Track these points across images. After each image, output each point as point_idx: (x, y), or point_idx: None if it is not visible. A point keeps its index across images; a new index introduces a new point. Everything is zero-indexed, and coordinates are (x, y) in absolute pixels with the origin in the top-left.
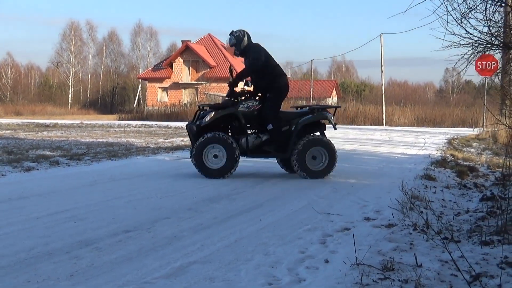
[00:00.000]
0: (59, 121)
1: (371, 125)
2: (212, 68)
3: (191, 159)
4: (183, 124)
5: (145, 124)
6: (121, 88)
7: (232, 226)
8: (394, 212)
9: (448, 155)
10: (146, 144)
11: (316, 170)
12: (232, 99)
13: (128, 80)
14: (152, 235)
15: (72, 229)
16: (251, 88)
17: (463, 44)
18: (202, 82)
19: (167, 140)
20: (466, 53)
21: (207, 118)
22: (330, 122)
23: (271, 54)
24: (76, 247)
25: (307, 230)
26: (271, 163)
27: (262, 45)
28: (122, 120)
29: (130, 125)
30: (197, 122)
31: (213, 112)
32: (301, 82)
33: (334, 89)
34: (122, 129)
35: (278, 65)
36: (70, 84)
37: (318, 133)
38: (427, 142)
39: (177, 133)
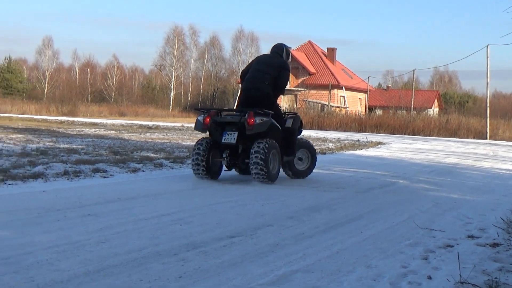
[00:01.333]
0: (161, 123)
1: (474, 138)
2: (312, 75)
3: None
4: None
5: None
6: (221, 92)
7: (333, 236)
8: (499, 231)
9: None
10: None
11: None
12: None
13: (228, 84)
14: (255, 242)
15: (179, 232)
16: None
17: None
18: (302, 89)
19: None
20: None
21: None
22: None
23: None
24: (183, 249)
25: (409, 245)
26: (369, 173)
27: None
28: None
29: None
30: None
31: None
32: (402, 92)
33: (436, 100)
34: None
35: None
36: (172, 87)
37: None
38: None
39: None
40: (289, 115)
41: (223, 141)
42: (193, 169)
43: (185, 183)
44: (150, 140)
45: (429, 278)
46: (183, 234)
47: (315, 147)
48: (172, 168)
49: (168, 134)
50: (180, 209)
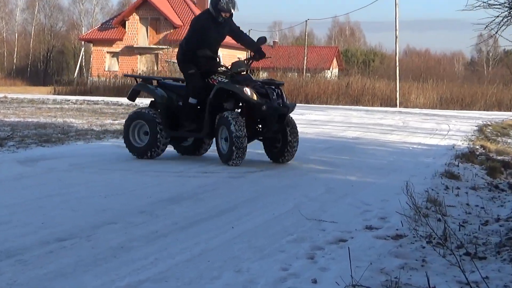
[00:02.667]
0: None
1: (381, 106)
2: (177, 29)
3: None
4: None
5: (88, 100)
6: (58, 52)
7: (196, 234)
8: (404, 219)
9: (477, 147)
10: (89, 126)
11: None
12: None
13: (68, 42)
14: (93, 245)
15: None
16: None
17: (494, 5)
18: (164, 47)
19: (116, 122)
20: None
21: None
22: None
23: None
24: None
25: (292, 241)
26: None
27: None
28: (58, 94)
29: (69, 101)
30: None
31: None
32: (292, 49)
33: (335, 59)
34: (58, 106)
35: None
36: None
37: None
38: (452, 129)
39: (129, 112)
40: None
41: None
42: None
43: (6, 171)
44: None
45: (314, 282)
46: None
47: None
48: None
49: None
50: None
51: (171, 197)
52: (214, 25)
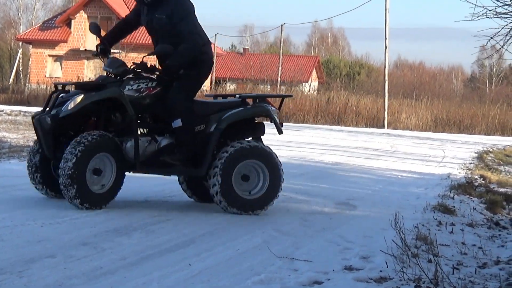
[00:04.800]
0: None
1: (366, 126)
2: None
3: (34, 180)
4: None
5: (25, 111)
6: None
7: (147, 272)
8: (389, 259)
9: (476, 177)
10: (26, 141)
11: (249, 198)
12: (115, 76)
13: (3, 42)
14: (26, 282)
15: None
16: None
17: (501, 13)
18: (116, 51)
19: None
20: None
21: (71, 105)
22: (272, 121)
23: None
24: None
25: (259, 282)
26: None
27: None
28: None
29: (2, 111)
30: (53, 112)
31: (82, 95)
32: (265, 57)
33: (315, 70)
34: None
35: (199, 23)
36: None
37: (250, 138)
38: (448, 155)
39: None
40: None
41: None
42: None
43: None
44: None
45: None
46: None
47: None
48: None
49: None
50: None
51: (118, 227)
52: None
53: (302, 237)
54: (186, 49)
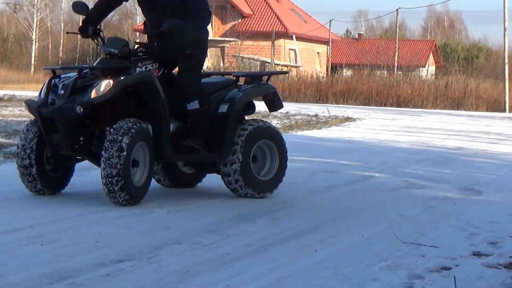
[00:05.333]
0: (17, 92)
1: (486, 110)
2: (247, 19)
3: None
4: None
5: None
6: None
7: (272, 258)
8: None
9: None
10: None
11: (262, 179)
12: (119, 57)
13: (120, 32)
14: (155, 268)
15: (38, 255)
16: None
17: None
18: (231, 39)
19: None
20: None
21: (101, 89)
22: (274, 99)
23: None
24: (45, 281)
25: (386, 268)
26: (331, 164)
27: None
28: None
29: None
30: (73, 98)
31: (107, 81)
32: (381, 43)
33: (432, 54)
34: None
35: None
36: (34, 38)
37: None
38: None
39: None
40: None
41: None
42: None
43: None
44: (0, 118)
45: None
46: (45, 259)
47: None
48: None
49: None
50: (42, 221)
51: (242, 214)
52: None
53: (427, 223)
54: (197, 27)
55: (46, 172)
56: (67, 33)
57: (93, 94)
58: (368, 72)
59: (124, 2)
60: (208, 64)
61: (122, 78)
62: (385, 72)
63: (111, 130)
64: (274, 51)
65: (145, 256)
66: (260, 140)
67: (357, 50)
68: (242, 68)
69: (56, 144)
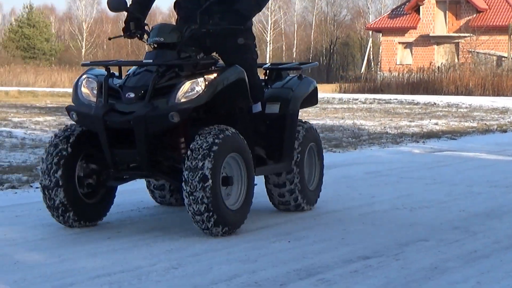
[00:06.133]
0: None
1: None
2: (482, 13)
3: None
4: (436, 99)
5: (379, 99)
6: (343, 44)
7: None
8: None
9: None
10: (383, 128)
11: (310, 189)
12: (168, 46)
13: (353, 32)
14: (402, 265)
15: (288, 252)
16: None
17: None
18: (466, 35)
19: (413, 123)
20: None
21: (196, 90)
22: (314, 93)
23: None
24: (294, 277)
25: None
26: None
27: None
28: (344, 92)
29: (357, 99)
30: (155, 104)
31: (202, 79)
32: None
33: None
34: (345, 106)
35: None
36: (268, 39)
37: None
38: None
39: (428, 112)
40: None
41: None
42: None
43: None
44: None
45: None
46: (293, 256)
47: (487, 120)
48: None
49: None
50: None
51: (488, 211)
52: None
53: None
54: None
55: (79, 197)
56: (109, 39)
57: (184, 97)
58: None
59: None
60: (442, 60)
61: (213, 76)
62: None
63: (188, 152)
64: (511, 45)
65: (392, 253)
66: (310, 143)
67: None
68: (478, 64)
69: (122, 162)
